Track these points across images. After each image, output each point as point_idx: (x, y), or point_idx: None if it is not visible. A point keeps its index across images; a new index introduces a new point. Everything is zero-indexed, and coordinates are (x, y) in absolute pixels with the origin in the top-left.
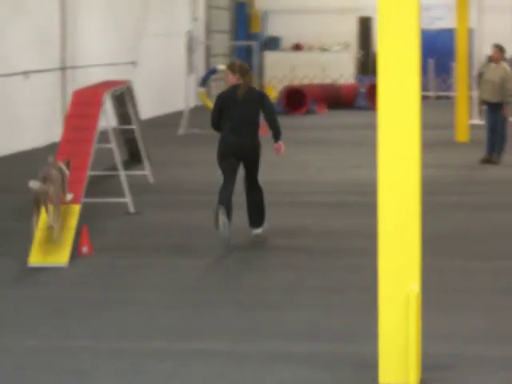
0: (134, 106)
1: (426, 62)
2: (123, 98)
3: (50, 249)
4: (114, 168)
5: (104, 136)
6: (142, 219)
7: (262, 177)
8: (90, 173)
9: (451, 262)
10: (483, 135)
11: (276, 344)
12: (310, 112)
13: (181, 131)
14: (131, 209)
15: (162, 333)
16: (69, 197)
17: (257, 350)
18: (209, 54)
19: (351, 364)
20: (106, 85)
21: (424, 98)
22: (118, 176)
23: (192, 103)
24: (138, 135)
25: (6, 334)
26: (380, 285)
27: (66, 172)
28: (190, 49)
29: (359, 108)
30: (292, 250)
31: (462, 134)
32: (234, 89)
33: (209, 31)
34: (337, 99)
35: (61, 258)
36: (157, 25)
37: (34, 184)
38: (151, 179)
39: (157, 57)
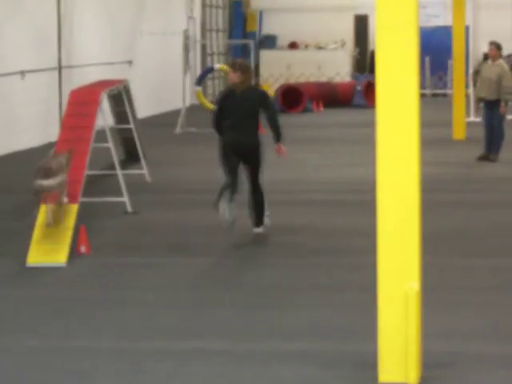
0: (131, 105)
1: (422, 60)
2: (120, 97)
3: (49, 248)
4: (111, 167)
5: (100, 135)
6: (139, 218)
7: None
8: (87, 172)
9: (450, 259)
10: (480, 133)
11: (276, 343)
12: (306, 110)
13: (178, 130)
14: (129, 208)
15: (161, 332)
16: (64, 200)
17: (257, 349)
18: (205, 52)
19: (351, 363)
20: (102, 84)
21: (420, 96)
22: (115, 175)
23: (188, 102)
24: (134, 134)
25: (6, 334)
26: (379, 283)
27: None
28: (186, 48)
29: (356, 106)
30: (291, 249)
31: (458, 132)
32: (234, 86)
33: (205, 30)
34: (333, 97)
35: (59, 257)
36: (153, 24)
37: (43, 184)
38: (148, 178)
39: (153, 56)
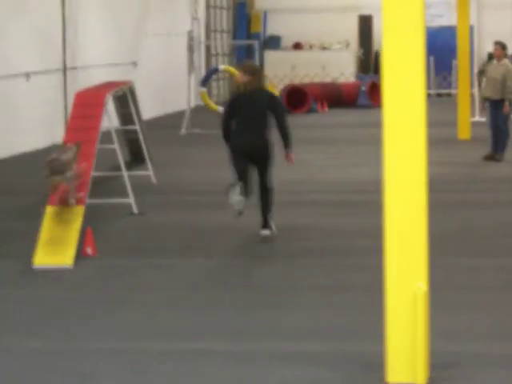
0: (136, 106)
1: (427, 60)
2: (125, 99)
3: (55, 250)
4: (117, 169)
5: (106, 137)
6: (145, 220)
7: None
8: (93, 173)
9: (456, 259)
10: (485, 133)
11: (277, 344)
12: (311, 111)
13: (182, 131)
14: (134, 209)
15: (163, 333)
16: (72, 201)
17: (258, 349)
18: (209, 53)
19: (357, 363)
20: (108, 86)
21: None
22: (120, 177)
23: (193, 103)
24: (140, 136)
25: (9, 335)
26: (387, 283)
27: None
28: (191, 49)
29: (360, 106)
30: (295, 249)
31: (463, 132)
32: (243, 88)
33: (209, 31)
34: (338, 98)
35: (66, 259)
36: (157, 25)
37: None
38: (154, 180)
39: (157, 57)
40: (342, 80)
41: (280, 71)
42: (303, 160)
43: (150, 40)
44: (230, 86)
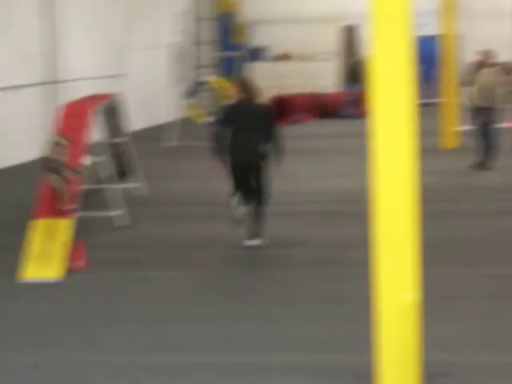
0: (121, 119)
1: (418, 70)
2: (110, 112)
3: (44, 263)
4: (105, 181)
5: (92, 149)
6: (134, 232)
7: None
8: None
9: (444, 269)
10: (472, 141)
11: (275, 355)
12: (296, 122)
13: (170, 143)
14: (123, 222)
15: (160, 346)
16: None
17: (256, 361)
18: (195, 65)
19: (348, 374)
20: (93, 98)
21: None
22: (108, 189)
23: (180, 115)
24: (125, 148)
25: (2, 350)
26: (378, 294)
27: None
28: (175, 61)
29: (345, 116)
30: (286, 261)
31: (449, 141)
32: (237, 102)
33: (194, 43)
34: (323, 108)
35: (55, 272)
36: (142, 37)
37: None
38: (143, 192)
39: (143, 69)
40: (326, 90)
41: (265, 82)
42: (290, 171)
43: (135, 53)
44: (215, 98)
